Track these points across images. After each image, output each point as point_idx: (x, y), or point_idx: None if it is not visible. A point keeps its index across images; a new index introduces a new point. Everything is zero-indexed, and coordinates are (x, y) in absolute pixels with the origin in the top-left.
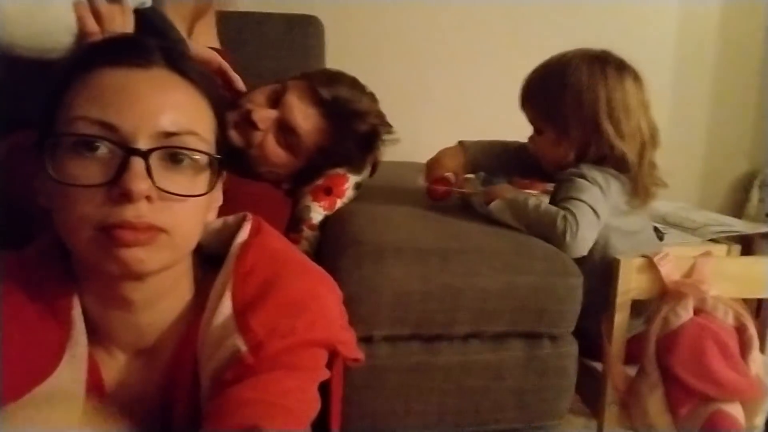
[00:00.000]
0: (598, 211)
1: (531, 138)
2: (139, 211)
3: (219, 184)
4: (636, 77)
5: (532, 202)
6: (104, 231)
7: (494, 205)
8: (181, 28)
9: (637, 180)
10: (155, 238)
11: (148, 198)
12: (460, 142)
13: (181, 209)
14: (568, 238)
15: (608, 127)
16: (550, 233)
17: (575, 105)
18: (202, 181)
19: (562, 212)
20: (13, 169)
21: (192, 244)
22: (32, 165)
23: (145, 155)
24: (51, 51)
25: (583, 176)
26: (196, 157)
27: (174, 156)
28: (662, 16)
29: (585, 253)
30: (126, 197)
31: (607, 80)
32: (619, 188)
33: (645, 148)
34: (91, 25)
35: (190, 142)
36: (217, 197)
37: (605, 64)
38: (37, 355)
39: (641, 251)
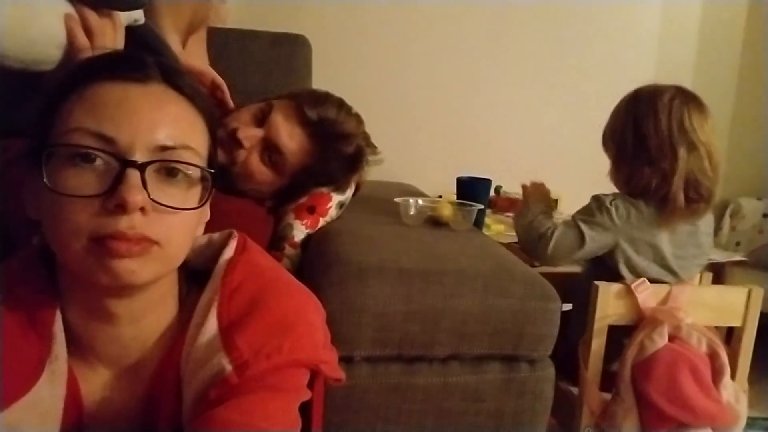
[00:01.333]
0: (584, 232)
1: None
2: (133, 222)
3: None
4: (673, 98)
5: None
6: (97, 241)
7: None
8: (175, 40)
9: (669, 192)
10: (148, 249)
11: (142, 210)
12: None
13: (173, 222)
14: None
15: (633, 143)
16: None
17: (611, 133)
18: (195, 195)
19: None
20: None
21: (182, 257)
22: (20, 175)
23: (141, 168)
24: (39, 63)
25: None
26: (190, 171)
27: (169, 170)
28: (642, 48)
29: (555, 264)
30: (121, 208)
31: (638, 107)
32: (639, 214)
33: (676, 160)
34: (81, 39)
35: (185, 156)
36: (206, 213)
37: (639, 93)
38: (17, 370)
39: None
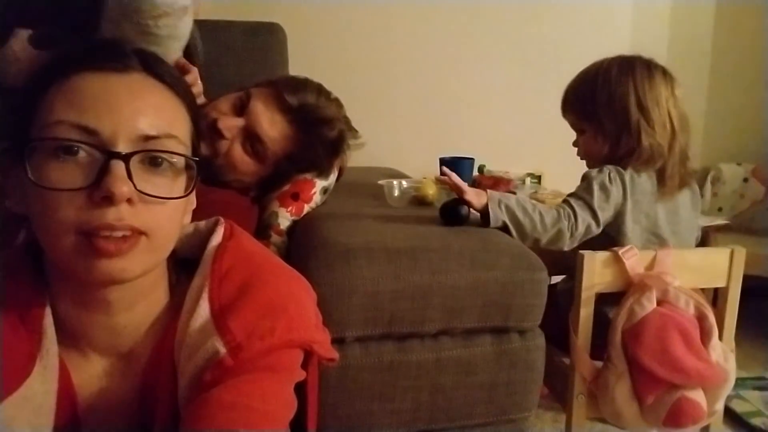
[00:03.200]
0: (595, 208)
1: (575, 142)
2: (120, 214)
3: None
4: (665, 73)
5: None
6: (85, 237)
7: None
8: None
9: (666, 168)
10: (136, 243)
11: (128, 201)
12: None
13: (160, 212)
14: (567, 233)
15: (638, 118)
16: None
17: (608, 100)
18: (181, 183)
19: (563, 209)
20: None
21: (171, 246)
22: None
23: (125, 158)
24: None
25: (591, 177)
26: (175, 160)
27: (153, 159)
28: (617, 22)
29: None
30: (108, 200)
31: (635, 75)
32: (640, 184)
33: (675, 137)
34: None
35: (169, 145)
36: (193, 201)
37: (634, 64)
38: (7, 366)
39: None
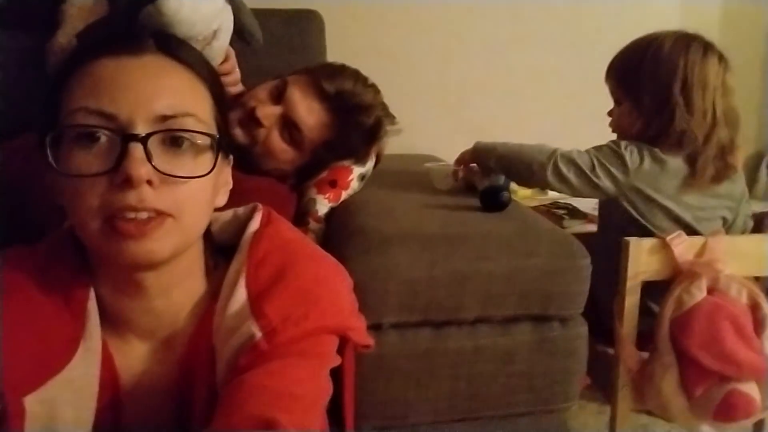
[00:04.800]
0: (595, 165)
1: (610, 111)
2: (141, 196)
3: (226, 166)
4: (722, 59)
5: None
6: (109, 221)
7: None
8: None
9: (697, 159)
10: (161, 224)
11: (150, 183)
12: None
13: (184, 191)
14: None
15: (679, 100)
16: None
17: (652, 74)
18: (204, 162)
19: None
20: (12, 172)
21: (201, 227)
22: (38, 164)
23: (143, 140)
24: None
25: (616, 145)
26: (198, 141)
27: (174, 140)
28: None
29: (550, 187)
30: (127, 183)
31: (688, 55)
32: (662, 169)
33: (714, 128)
34: None
35: (188, 124)
36: (225, 180)
37: (691, 41)
38: (52, 348)
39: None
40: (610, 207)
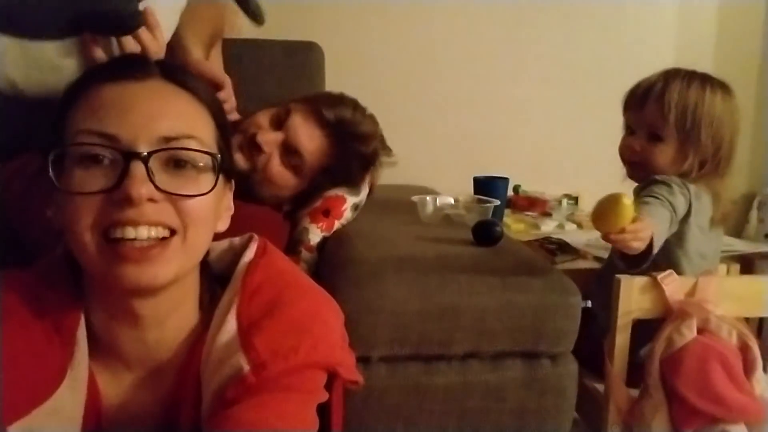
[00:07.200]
0: (675, 208)
1: (636, 141)
2: (141, 211)
3: (228, 191)
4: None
5: None
6: (107, 240)
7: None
8: (200, 54)
9: (720, 196)
10: (167, 247)
11: (151, 200)
12: None
13: (188, 209)
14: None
15: (728, 148)
16: None
17: (710, 123)
18: (206, 182)
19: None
20: (11, 193)
21: (203, 248)
22: (40, 188)
23: (145, 159)
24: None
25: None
26: (200, 163)
27: (176, 162)
28: (660, 32)
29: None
30: (127, 201)
31: (734, 105)
32: (706, 204)
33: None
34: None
35: (190, 145)
36: (227, 205)
37: (731, 91)
38: (39, 376)
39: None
40: None
